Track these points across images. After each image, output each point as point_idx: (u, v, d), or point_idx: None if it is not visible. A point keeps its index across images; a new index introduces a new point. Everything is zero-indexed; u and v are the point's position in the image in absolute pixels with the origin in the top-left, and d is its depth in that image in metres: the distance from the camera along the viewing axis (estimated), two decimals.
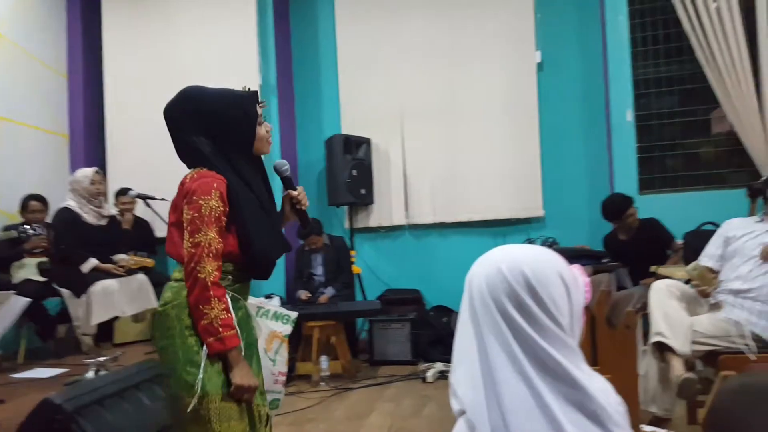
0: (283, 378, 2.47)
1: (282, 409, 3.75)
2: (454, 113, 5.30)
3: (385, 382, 4.33)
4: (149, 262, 4.48)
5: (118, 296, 4.15)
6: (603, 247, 4.45)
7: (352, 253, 5.27)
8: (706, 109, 4.70)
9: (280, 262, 5.38)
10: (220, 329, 1.59)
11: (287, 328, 1.79)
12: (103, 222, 4.36)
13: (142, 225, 5.15)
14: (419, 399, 3.91)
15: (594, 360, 2.43)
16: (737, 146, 4.45)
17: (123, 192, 4.86)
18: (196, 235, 1.61)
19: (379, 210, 5.55)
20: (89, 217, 4.26)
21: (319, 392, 4.14)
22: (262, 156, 1.84)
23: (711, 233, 3.11)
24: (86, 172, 4.28)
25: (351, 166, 5.18)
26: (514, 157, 5.20)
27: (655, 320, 2.59)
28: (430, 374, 4.29)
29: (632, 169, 4.71)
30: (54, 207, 4.40)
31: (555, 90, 5.23)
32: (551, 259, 0.95)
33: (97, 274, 4.17)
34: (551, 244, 4.47)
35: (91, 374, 3.43)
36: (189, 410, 1.60)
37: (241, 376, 1.63)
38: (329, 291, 4.91)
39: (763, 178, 3.98)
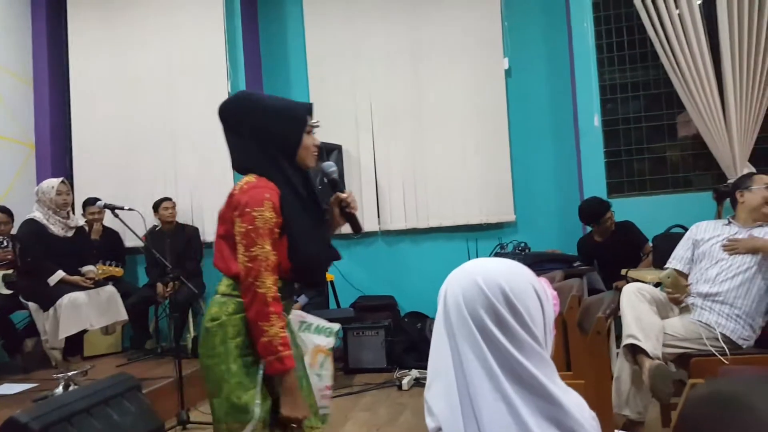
0: (330, 392, 2.43)
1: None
2: (425, 119, 5.33)
3: (360, 391, 4.31)
4: (117, 271, 4.40)
5: (86, 309, 4.06)
6: (577, 249, 4.53)
7: None
8: (672, 114, 4.80)
9: None
10: (280, 348, 1.54)
11: (330, 341, 1.75)
12: (70, 233, 4.27)
13: (110, 235, 5.07)
14: (395, 407, 3.90)
15: (567, 365, 2.46)
16: (703, 150, 4.55)
17: (91, 202, 4.78)
18: (252, 249, 1.56)
19: None
20: (56, 228, 4.17)
21: None
22: None
23: (679, 236, 3.16)
24: (52, 183, 4.19)
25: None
26: (485, 162, 5.25)
27: (627, 323, 2.62)
28: (405, 381, 4.28)
29: (600, 173, 4.78)
30: (19, 219, 4.30)
31: (523, 96, 5.29)
32: (524, 272, 0.95)
33: (65, 287, 4.07)
34: (523, 248, 4.51)
35: (60, 389, 3.36)
36: None
37: (292, 408, 1.58)
38: (302, 299, 4.87)
39: (729, 181, 4.08)
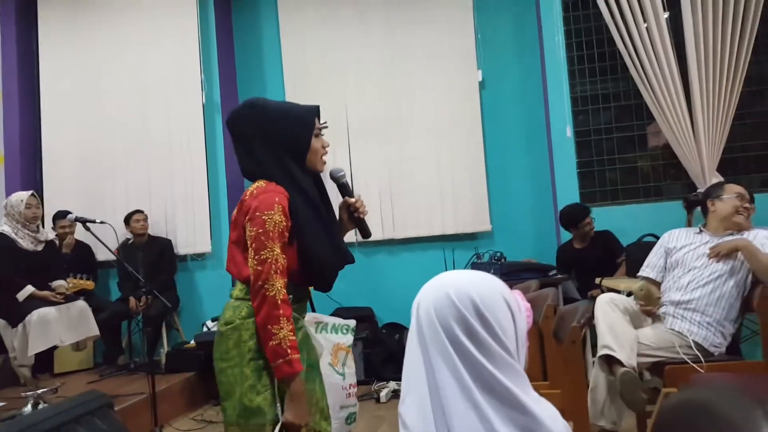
0: (355, 390, 2.36)
1: None
2: (400, 129, 5.34)
3: None
4: (89, 284, 4.31)
5: (56, 325, 3.96)
6: (557, 257, 4.60)
7: None
8: (642, 124, 4.90)
9: (227, 283, 5.28)
10: (289, 351, 1.54)
11: (349, 338, 1.73)
12: (40, 247, 4.18)
13: (82, 249, 4.98)
14: (373, 420, 3.87)
15: (544, 375, 2.47)
16: (673, 159, 4.64)
17: (61, 215, 4.69)
18: (262, 252, 1.57)
19: None
20: (25, 242, 4.08)
21: None
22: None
23: (651, 245, 3.21)
24: (21, 196, 4.10)
25: None
26: (461, 172, 5.28)
27: (602, 333, 2.64)
28: (383, 394, 4.26)
29: (573, 183, 4.85)
30: None
31: (497, 107, 5.35)
32: (496, 284, 0.96)
33: (34, 302, 3.97)
34: (499, 258, 4.53)
35: (28, 408, 3.28)
36: None
37: (294, 414, 1.58)
38: None
39: (699, 190, 4.16)
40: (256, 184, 1.70)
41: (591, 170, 4.93)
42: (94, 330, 4.20)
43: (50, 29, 5.64)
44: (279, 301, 1.55)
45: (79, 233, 4.78)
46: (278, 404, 1.60)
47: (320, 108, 1.81)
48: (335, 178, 1.82)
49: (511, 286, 3.15)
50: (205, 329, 4.85)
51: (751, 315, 2.92)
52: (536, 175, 5.23)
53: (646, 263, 3.05)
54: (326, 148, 1.78)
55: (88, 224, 3.71)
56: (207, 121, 5.37)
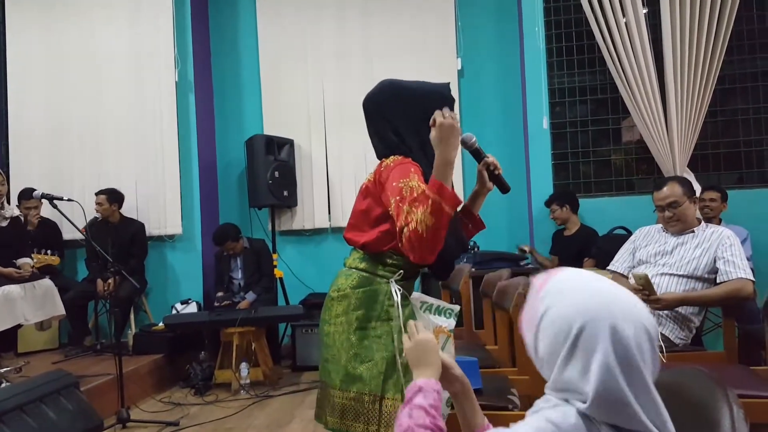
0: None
1: (199, 419, 3.64)
2: None
3: (307, 388, 4.27)
4: (54, 259, 4.20)
5: (21, 303, 3.86)
6: (552, 237, 4.79)
7: (275, 256, 5.18)
8: (617, 119, 4.95)
9: (197, 266, 5.23)
10: (438, 190, 1.47)
11: (451, 323, 1.70)
12: (4, 224, 4.05)
13: (47, 225, 4.87)
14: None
15: (512, 362, 2.49)
16: (645, 154, 4.71)
17: (27, 195, 4.57)
18: (402, 217, 1.50)
19: (302, 212, 5.49)
20: None
21: (238, 400, 4.03)
22: None
23: (621, 237, 3.25)
24: None
25: (273, 167, 5.08)
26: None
27: None
28: None
29: (548, 175, 4.89)
30: None
31: (476, 96, 5.36)
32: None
33: None
34: (473, 247, 4.56)
35: None
36: (360, 405, 1.59)
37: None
38: (250, 296, 4.80)
39: None
40: (393, 157, 1.69)
41: (566, 162, 4.97)
42: (60, 309, 4.11)
43: (18, 5, 5.46)
44: (429, 213, 1.45)
45: (46, 211, 4.67)
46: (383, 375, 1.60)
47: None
48: (468, 145, 1.82)
49: (483, 275, 3.16)
50: (174, 311, 4.79)
51: (714, 309, 3.00)
52: (511, 166, 5.23)
53: (615, 258, 3.09)
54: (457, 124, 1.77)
55: (55, 201, 3.62)
56: (180, 100, 5.26)
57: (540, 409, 0.94)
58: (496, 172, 1.87)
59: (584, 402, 0.86)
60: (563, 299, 0.91)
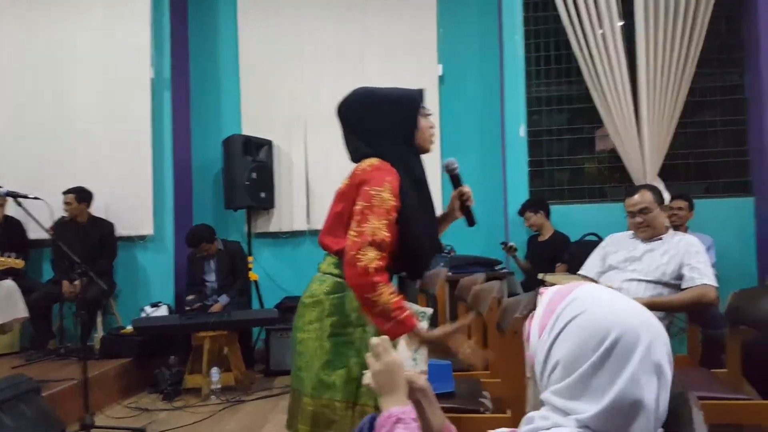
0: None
1: (166, 425, 3.56)
2: None
3: (280, 393, 4.21)
4: (17, 263, 4.05)
5: None
6: (527, 243, 4.83)
7: (250, 259, 5.11)
8: (591, 128, 5.01)
9: (169, 268, 5.13)
10: (396, 312, 1.52)
11: (424, 325, 1.70)
12: None
13: (11, 224, 4.73)
14: None
15: (486, 365, 2.48)
16: (618, 163, 4.77)
17: None
18: (363, 225, 1.56)
19: (279, 215, 5.43)
20: None
21: (208, 406, 3.95)
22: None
23: (592, 243, 3.27)
24: None
25: (251, 168, 5.02)
26: None
27: None
28: None
29: (524, 182, 4.92)
30: None
31: (455, 103, 5.37)
32: None
33: None
34: (449, 251, 4.56)
35: None
36: (332, 411, 1.60)
37: (439, 337, 1.59)
38: (223, 299, 4.72)
39: None
40: (370, 160, 1.69)
41: (541, 170, 5.01)
42: (23, 311, 4.00)
43: None
44: (371, 269, 1.52)
45: (12, 210, 4.54)
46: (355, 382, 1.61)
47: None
48: (449, 169, 1.89)
49: (458, 279, 3.17)
50: (143, 314, 4.68)
51: (679, 314, 3.08)
52: (488, 172, 5.27)
53: (586, 263, 3.11)
54: (432, 129, 1.83)
55: (20, 199, 3.51)
56: (155, 97, 5.17)
57: (537, 429, 0.94)
58: (467, 204, 1.93)
59: (594, 410, 0.84)
60: (600, 307, 0.89)
